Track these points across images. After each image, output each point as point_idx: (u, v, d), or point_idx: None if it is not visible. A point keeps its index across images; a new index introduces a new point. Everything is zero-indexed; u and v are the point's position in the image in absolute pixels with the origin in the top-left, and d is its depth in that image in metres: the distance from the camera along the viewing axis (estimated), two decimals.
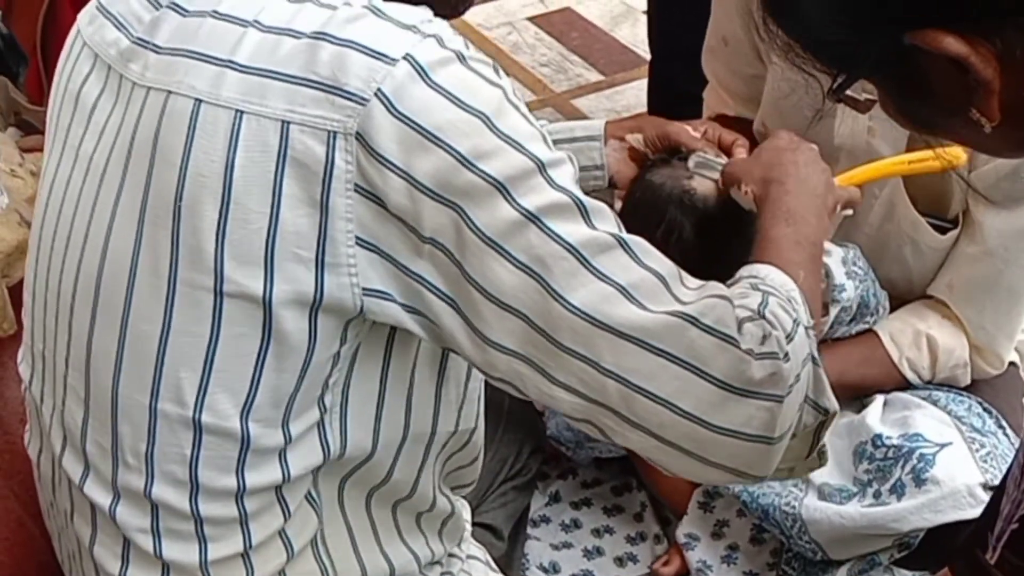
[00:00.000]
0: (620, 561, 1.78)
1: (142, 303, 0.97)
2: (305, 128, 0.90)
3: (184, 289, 0.95)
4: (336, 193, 0.91)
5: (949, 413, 1.59)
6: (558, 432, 1.78)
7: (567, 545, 1.79)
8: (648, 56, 2.72)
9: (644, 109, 2.72)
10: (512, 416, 1.62)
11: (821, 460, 1.08)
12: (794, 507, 1.56)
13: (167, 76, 0.96)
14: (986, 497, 1.47)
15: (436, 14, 0.96)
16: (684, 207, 1.33)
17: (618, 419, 0.95)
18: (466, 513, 1.27)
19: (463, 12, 1.12)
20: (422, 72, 0.90)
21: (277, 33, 0.93)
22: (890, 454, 1.53)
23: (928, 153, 1.39)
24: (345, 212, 0.91)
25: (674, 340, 0.92)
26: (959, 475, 1.48)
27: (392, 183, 0.90)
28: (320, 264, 0.92)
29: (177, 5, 1.00)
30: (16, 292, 1.31)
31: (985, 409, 1.62)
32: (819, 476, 1.58)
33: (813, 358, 1.01)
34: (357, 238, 0.92)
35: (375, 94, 0.89)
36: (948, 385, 1.65)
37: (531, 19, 3.39)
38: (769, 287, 1.03)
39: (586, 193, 0.96)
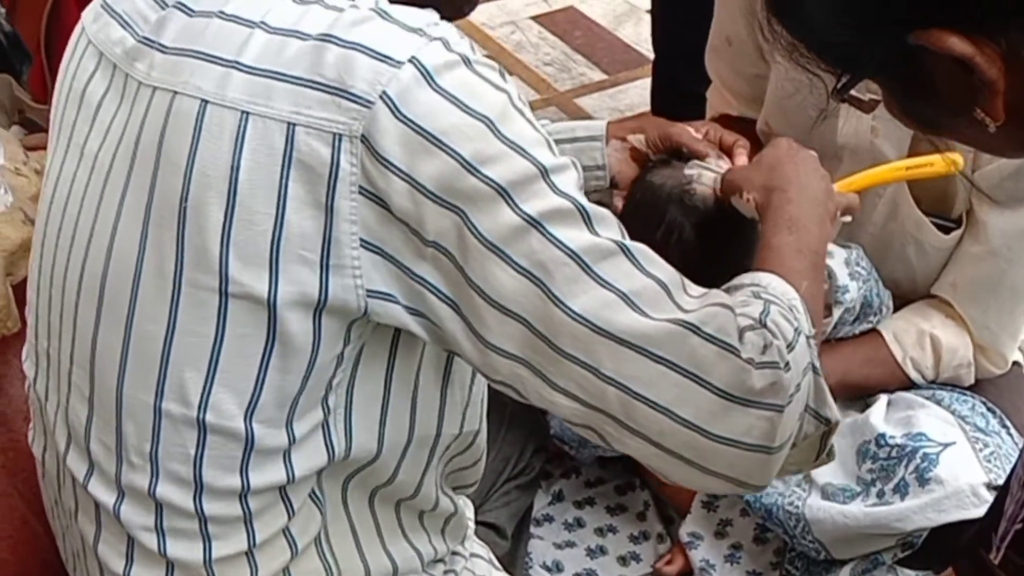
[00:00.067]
0: (623, 560, 1.78)
1: (147, 303, 0.97)
2: (311, 130, 0.90)
3: (189, 289, 0.95)
4: (341, 195, 0.91)
5: (953, 413, 1.59)
6: (561, 431, 1.78)
7: (570, 544, 1.80)
8: (651, 55, 2.72)
9: (647, 108, 2.72)
10: (515, 415, 1.62)
11: (829, 457, 1.08)
12: (797, 507, 1.56)
13: (173, 76, 0.96)
14: (990, 497, 1.47)
15: (442, 16, 0.96)
16: (684, 208, 1.33)
17: (618, 426, 0.95)
18: (469, 512, 1.27)
19: (468, 13, 1.12)
20: (427, 75, 0.90)
21: (283, 34, 0.93)
22: (894, 453, 1.53)
23: (926, 159, 1.39)
24: (350, 214, 0.91)
25: (675, 348, 0.92)
26: (963, 475, 1.48)
27: (396, 186, 0.90)
28: (325, 266, 0.92)
29: (183, 5, 1.00)
30: (20, 290, 1.31)
31: (989, 409, 1.62)
32: (822, 476, 1.58)
33: (814, 367, 1.00)
34: (361, 240, 0.92)
35: (380, 97, 0.90)
36: (952, 385, 1.65)
37: (534, 18, 3.39)
38: (771, 296, 1.02)
39: (587, 193, 0.96)
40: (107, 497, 1.04)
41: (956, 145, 1.37)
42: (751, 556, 1.69)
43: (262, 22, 0.95)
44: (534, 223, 0.91)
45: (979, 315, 1.61)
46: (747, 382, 0.93)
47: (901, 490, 1.51)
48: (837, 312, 1.58)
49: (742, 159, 1.35)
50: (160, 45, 0.99)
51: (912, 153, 1.54)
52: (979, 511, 1.45)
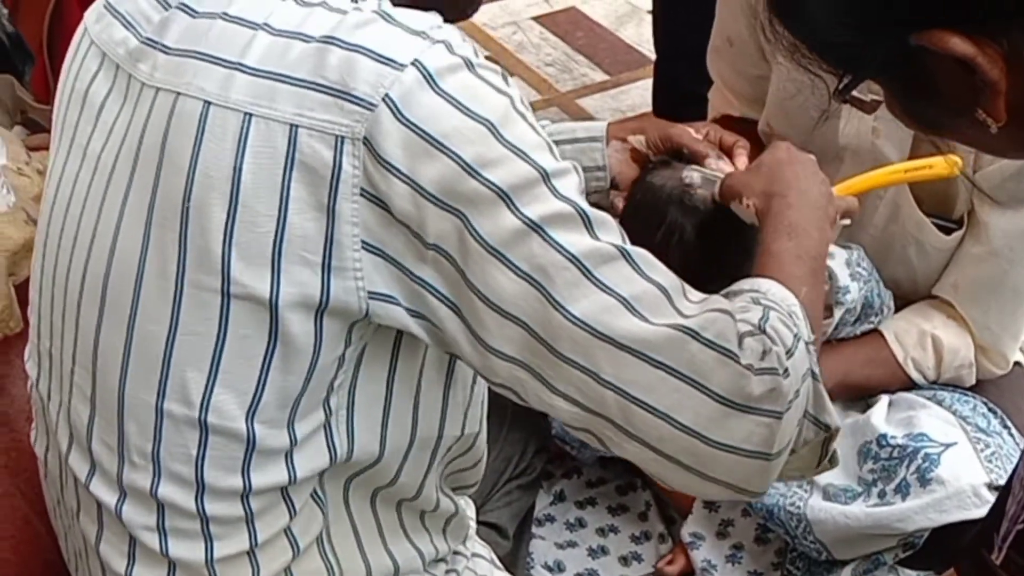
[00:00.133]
0: (624, 560, 1.78)
1: (149, 303, 0.98)
2: (313, 132, 0.90)
3: (191, 290, 0.95)
4: (343, 197, 0.91)
5: (954, 413, 1.59)
6: (563, 431, 1.78)
7: (572, 544, 1.80)
8: (653, 56, 2.72)
9: (649, 109, 2.72)
10: (517, 415, 1.62)
11: (832, 463, 1.08)
12: (799, 507, 1.56)
13: (176, 77, 0.97)
14: (991, 497, 1.47)
15: (445, 18, 0.96)
16: (685, 209, 1.32)
17: (616, 430, 0.95)
18: (471, 511, 1.27)
19: (471, 15, 1.12)
20: (430, 78, 0.90)
21: (287, 36, 0.93)
22: (895, 454, 1.54)
23: (926, 161, 1.39)
24: (351, 216, 0.91)
25: (674, 353, 0.92)
26: (964, 475, 1.48)
27: (397, 189, 0.90)
28: (326, 268, 0.92)
29: (187, 6, 1.00)
30: (23, 290, 1.31)
31: (990, 409, 1.62)
32: (824, 476, 1.58)
33: (813, 373, 1.00)
34: (363, 242, 0.92)
35: (383, 99, 0.90)
36: (953, 385, 1.66)
37: (536, 19, 3.39)
38: (770, 302, 1.02)
39: (588, 194, 0.96)
40: (109, 497, 1.04)
41: (957, 146, 1.38)
42: (752, 556, 1.69)
43: (265, 24, 0.95)
44: (535, 227, 0.91)
45: (980, 316, 1.62)
46: (746, 388, 0.93)
47: (902, 490, 1.51)
48: (838, 313, 1.58)
49: (742, 160, 1.34)
50: (163, 46, 0.99)
51: (913, 154, 1.54)
52: (980, 511, 1.45)
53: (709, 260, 1.32)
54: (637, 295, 0.93)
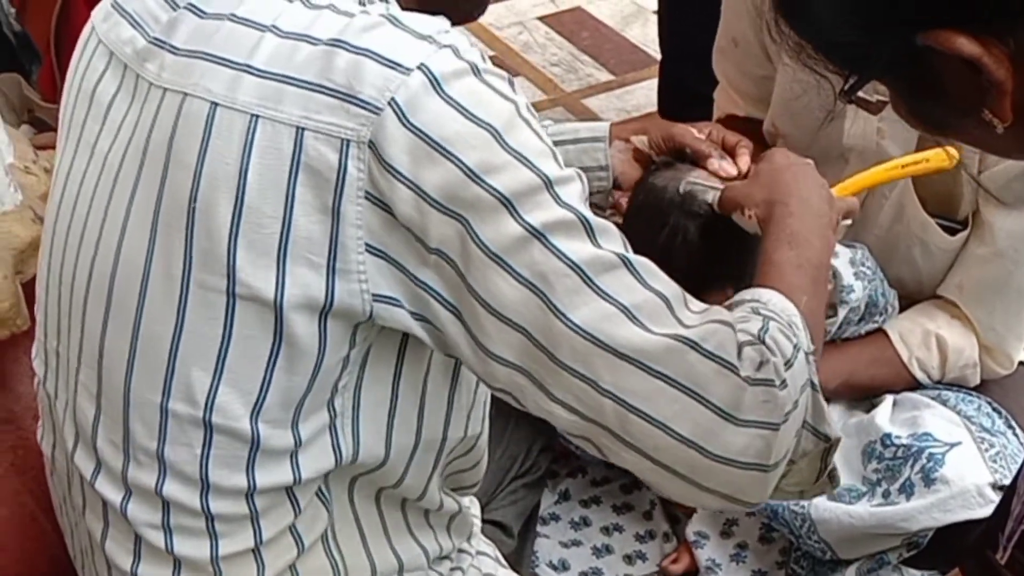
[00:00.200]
0: (629, 559, 1.78)
1: (155, 303, 0.98)
2: (319, 135, 0.90)
3: (197, 290, 0.95)
4: (347, 200, 0.91)
5: (958, 413, 1.59)
6: None
7: (576, 543, 1.80)
8: (658, 56, 2.72)
9: (654, 109, 2.72)
10: (522, 414, 1.61)
11: (832, 483, 1.08)
12: (803, 506, 1.56)
13: (184, 78, 0.97)
14: (995, 497, 1.47)
15: (452, 21, 0.96)
16: (687, 210, 1.33)
17: (614, 439, 0.95)
18: (475, 509, 1.28)
19: (478, 17, 1.12)
20: (436, 83, 0.90)
21: (294, 39, 0.93)
22: (899, 453, 1.54)
23: (922, 155, 1.39)
24: (356, 219, 0.91)
25: (674, 364, 0.92)
26: (968, 475, 1.49)
27: (400, 193, 0.90)
28: (331, 270, 0.92)
29: (195, 6, 1.00)
30: (30, 288, 1.31)
31: (995, 409, 1.62)
32: None
33: (812, 384, 1.00)
34: (367, 245, 0.92)
35: (389, 103, 0.89)
36: (958, 385, 1.66)
37: (541, 19, 3.39)
38: (770, 312, 1.02)
39: (591, 193, 0.95)
40: (114, 495, 1.05)
41: (964, 147, 1.38)
42: (757, 555, 1.70)
43: (273, 26, 0.95)
44: (536, 234, 0.91)
45: (985, 316, 1.62)
46: (743, 400, 0.93)
47: (907, 490, 1.51)
48: (842, 312, 1.58)
49: (745, 160, 1.34)
50: (171, 46, 0.99)
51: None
52: (985, 511, 1.45)
53: (713, 260, 1.32)
54: (638, 304, 0.93)
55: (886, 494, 1.53)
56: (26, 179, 1.46)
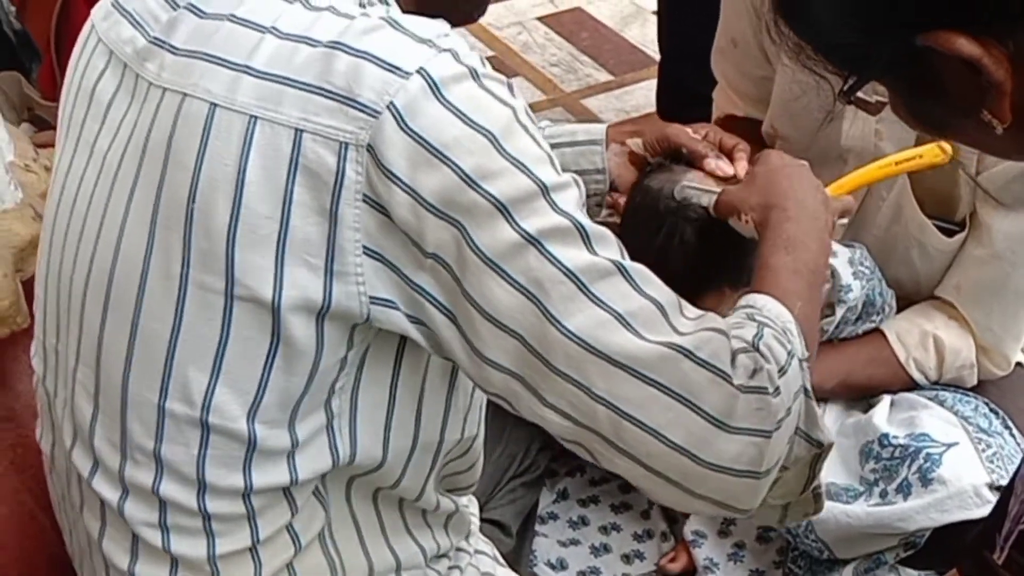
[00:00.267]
0: (627, 558, 1.78)
1: (153, 303, 0.98)
2: (318, 137, 0.90)
3: (195, 291, 0.95)
4: (345, 203, 0.91)
5: (956, 413, 1.59)
6: None
7: (574, 542, 1.80)
8: (657, 56, 2.73)
9: (653, 110, 2.72)
10: None
11: (817, 504, 1.08)
12: None
13: (183, 78, 0.97)
14: (992, 497, 1.47)
15: (452, 22, 0.96)
16: (683, 211, 1.33)
17: (607, 445, 0.95)
18: (474, 508, 1.28)
19: (478, 18, 1.12)
20: (434, 87, 0.90)
21: (294, 40, 0.93)
22: (897, 454, 1.54)
23: (915, 151, 1.38)
24: (353, 222, 0.91)
25: (668, 371, 0.92)
26: (965, 475, 1.49)
27: (398, 198, 0.90)
28: (328, 272, 0.92)
29: (194, 6, 1.00)
30: (30, 286, 1.31)
31: (992, 410, 1.62)
32: (826, 476, 1.57)
33: (806, 390, 1.00)
34: (364, 247, 0.92)
35: (388, 107, 0.89)
36: (955, 386, 1.66)
37: (541, 19, 3.39)
38: (765, 318, 1.02)
39: (588, 196, 0.95)
40: (111, 494, 1.05)
41: (962, 148, 1.38)
42: (754, 555, 1.70)
43: (273, 27, 0.95)
44: (532, 240, 0.91)
45: (982, 317, 1.62)
46: (736, 409, 0.93)
47: (904, 490, 1.51)
48: (840, 311, 1.58)
49: (742, 165, 1.34)
50: (171, 46, 0.99)
51: None
52: (981, 511, 1.46)
53: (709, 261, 1.32)
54: (633, 311, 0.93)
55: (883, 494, 1.53)
56: (26, 177, 1.46)
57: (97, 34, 1.07)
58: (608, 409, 0.93)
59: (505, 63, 3.17)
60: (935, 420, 1.57)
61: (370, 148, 0.90)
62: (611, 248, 0.95)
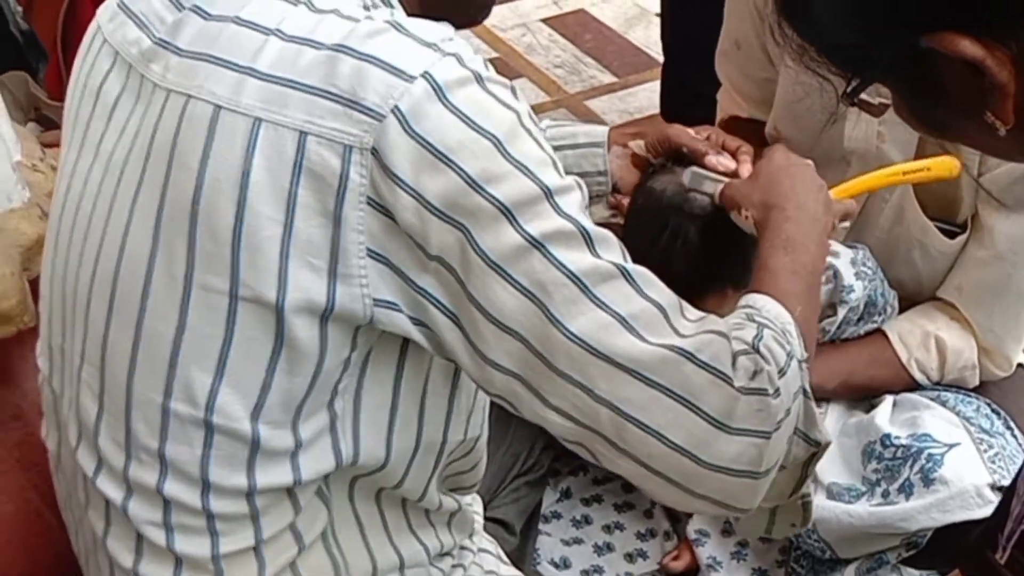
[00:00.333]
0: (630, 557, 1.78)
1: (157, 303, 0.98)
2: (322, 140, 0.91)
3: (199, 292, 0.95)
4: (349, 205, 0.91)
5: (958, 414, 1.59)
6: None
7: (578, 541, 1.80)
8: (661, 58, 2.73)
9: (657, 111, 2.72)
10: None
11: (805, 514, 1.09)
12: None
13: (188, 80, 0.97)
14: (994, 497, 1.47)
15: (456, 25, 0.96)
16: (686, 212, 1.33)
17: (609, 446, 0.95)
18: (477, 506, 1.28)
19: (482, 20, 1.12)
20: (439, 91, 0.90)
21: (299, 43, 0.93)
22: (899, 454, 1.54)
23: (923, 163, 1.39)
24: (357, 224, 0.91)
25: (669, 374, 0.93)
26: (967, 475, 1.49)
27: (402, 201, 0.91)
28: (332, 274, 0.92)
29: (200, 8, 1.00)
30: (36, 285, 1.32)
31: (994, 410, 1.62)
32: (828, 475, 1.59)
33: (805, 391, 1.01)
34: (368, 250, 0.92)
35: (392, 111, 0.90)
36: (957, 386, 1.66)
37: (545, 21, 3.39)
38: (764, 319, 1.03)
39: (590, 198, 0.96)
40: (115, 493, 1.05)
41: (964, 149, 1.38)
42: (757, 554, 1.70)
43: (277, 29, 0.95)
44: (536, 244, 0.91)
45: (984, 319, 1.62)
46: (737, 410, 0.93)
47: (906, 490, 1.51)
48: (842, 311, 1.58)
49: (747, 167, 1.34)
50: (176, 48, 0.99)
51: (918, 158, 1.54)
52: (983, 511, 1.46)
53: (712, 261, 1.32)
54: (635, 314, 0.93)
55: (885, 494, 1.54)
56: (33, 176, 1.46)
57: (103, 35, 1.07)
58: (610, 410, 0.93)
59: (509, 64, 3.17)
60: (937, 420, 1.57)
61: (374, 151, 0.90)
62: (613, 251, 0.95)
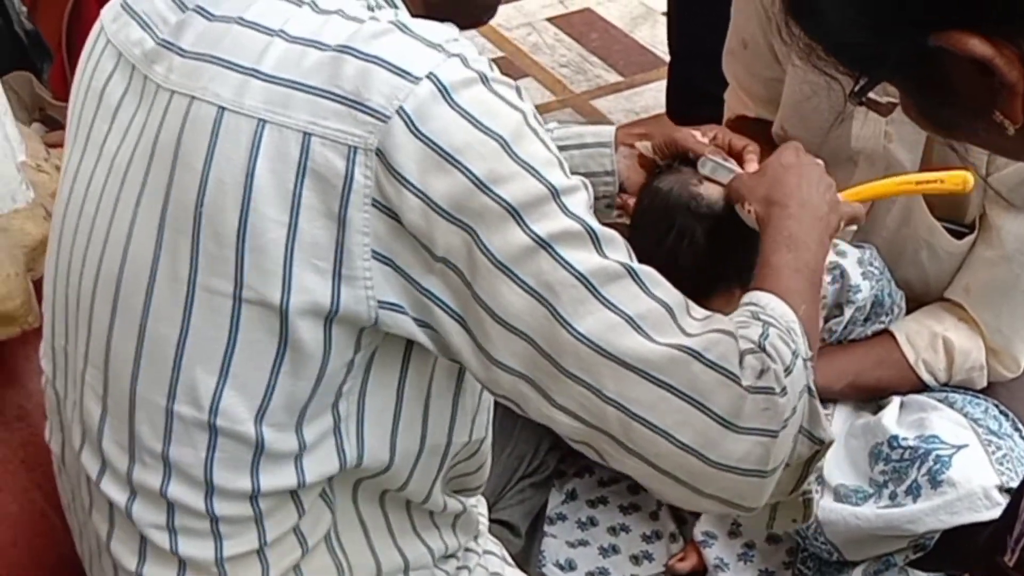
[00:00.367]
0: (636, 559, 1.78)
1: (161, 305, 0.98)
2: (326, 141, 0.90)
3: (203, 294, 0.95)
4: (354, 207, 0.91)
5: (965, 415, 1.59)
6: None
7: (583, 543, 1.80)
8: (667, 57, 2.73)
9: (663, 110, 2.72)
10: None
11: (807, 510, 1.09)
12: None
13: (191, 81, 0.96)
14: (1002, 499, 1.47)
15: (461, 25, 0.96)
16: (693, 212, 1.33)
17: (616, 445, 0.95)
18: (482, 508, 1.28)
19: (487, 21, 1.12)
20: (444, 92, 0.90)
21: (303, 44, 0.93)
22: (906, 455, 1.54)
23: (936, 175, 1.38)
24: (362, 226, 0.91)
25: (677, 373, 0.93)
26: (975, 477, 1.49)
27: (408, 202, 0.90)
28: (337, 276, 0.92)
29: (203, 9, 0.99)
30: (41, 285, 1.32)
31: (1002, 412, 1.62)
32: (835, 477, 1.58)
33: (809, 389, 1.01)
34: (373, 251, 0.92)
35: (397, 112, 0.89)
36: (964, 387, 1.66)
37: (551, 20, 3.39)
38: (769, 317, 1.03)
39: (597, 198, 0.95)
40: (119, 496, 1.05)
41: (971, 152, 1.37)
42: (764, 555, 1.70)
43: (281, 30, 0.95)
44: (544, 244, 0.91)
45: (992, 319, 1.62)
46: (744, 409, 0.93)
47: (913, 492, 1.51)
48: (848, 311, 1.58)
49: (752, 165, 1.34)
50: (179, 49, 0.99)
51: (926, 158, 1.54)
52: (991, 513, 1.46)
53: (719, 261, 1.32)
54: (642, 313, 0.93)
55: (893, 496, 1.53)
56: (38, 177, 1.46)
57: (106, 35, 1.07)
58: (618, 410, 0.93)
59: (515, 64, 3.18)
60: (945, 422, 1.57)
61: (379, 152, 0.90)
62: (620, 251, 0.95)
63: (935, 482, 1.49)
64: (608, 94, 3.09)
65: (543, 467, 1.77)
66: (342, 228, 0.91)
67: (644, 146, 1.39)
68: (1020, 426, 1.61)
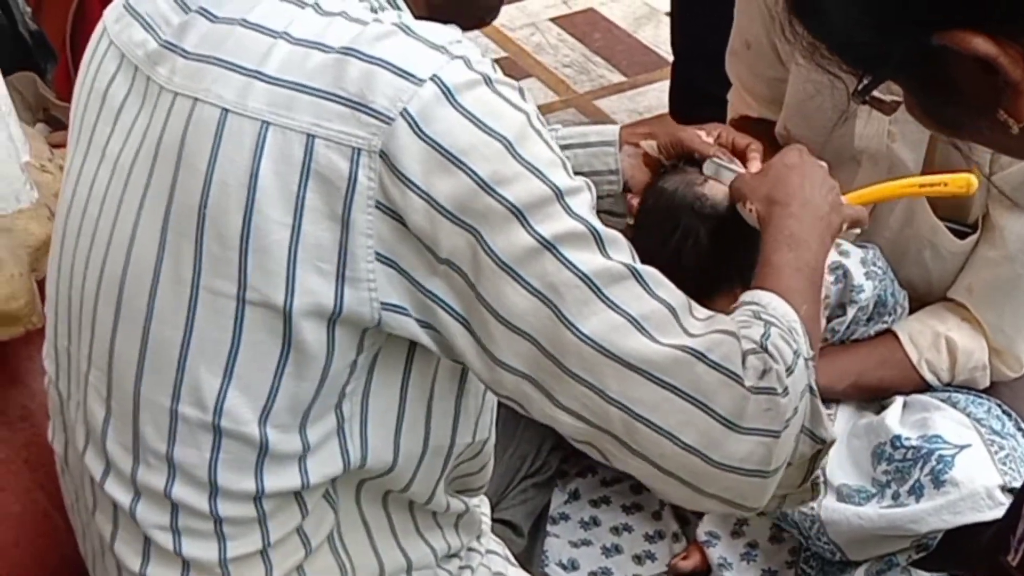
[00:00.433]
0: (638, 559, 1.78)
1: (165, 307, 0.98)
2: (330, 143, 0.90)
3: (206, 296, 0.95)
4: (358, 209, 0.91)
5: (968, 415, 1.59)
6: None
7: (586, 542, 1.80)
8: (670, 58, 2.73)
9: (666, 110, 2.72)
10: None
11: (815, 491, 1.09)
12: (812, 508, 1.56)
13: (194, 83, 0.96)
14: (1004, 499, 1.47)
15: (463, 27, 0.96)
16: (697, 212, 1.33)
17: (620, 445, 0.95)
18: (484, 508, 1.28)
19: (490, 22, 1.12)
20: (448, 94, 0.90)
21: (306, 46, 0.93)
22: (909, 455, 1.54)
23: (940, 178, 1.38)
24: (366, 228, 0.91)
25: (681, 374, 0.93)
26: (978, 477, 1.49)
27: (413, 203, 0.90)
28: (340, 277, 0.92)
29: (206, 10, 0.99)
30: (44, 285, 1.32)
31: (1004, 412, 1.62)
32: (838, 477, 1.58)
33: (811, 389, 1.01)
34: (377, 253, 0.92)
35: (401, 114, 0.89)
36: (967, 387, 1.66)
37: (554, 20, 3.39)
38: (771, 316, 1.03)
39: (600, 198, 0.96)
40: (123, 497, 1.05)
41: (976, 148, 1.37)
42: (767, 555, 1.70)
43: (285, 32, 0.95)
44: (548, 245, 0.91)
45: (995, 319, 1.62)
46: (747, 410, 0.94)
47: (916, 492, 1.51)
48: (851, 311, 1.58)
49: (756, 165, 1.34)
50: (182, 50, 0.99)
51: (929, 158, 1.54)
52: (994, 513, 1.46)
53: (722, 261, 1.33)
54: (646, 314, 0.93)
55: (895, 496, 1.53)
56: (42, 177, 1.46)
57: (109, 36, 1.07)
58: (621, 411, 0.93)
59: (518, 64, 3.18)
60: (948, 422, 1.57)
61: (383, 154, 0.90)
62: (623, 251, 0.95)
63: (938, 482, 1.49)
64: (611, 94, 3.09)
65: (546, 467, 1.77)
66: (346, 230, 0.91)
67: (650, 145, 1.39)
68: (1023, 426, 1.61)
